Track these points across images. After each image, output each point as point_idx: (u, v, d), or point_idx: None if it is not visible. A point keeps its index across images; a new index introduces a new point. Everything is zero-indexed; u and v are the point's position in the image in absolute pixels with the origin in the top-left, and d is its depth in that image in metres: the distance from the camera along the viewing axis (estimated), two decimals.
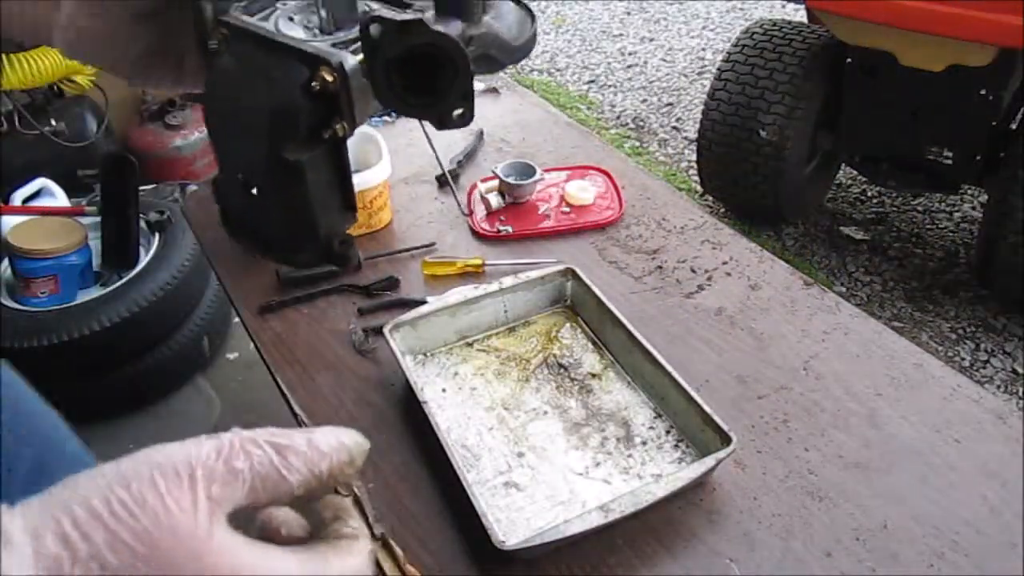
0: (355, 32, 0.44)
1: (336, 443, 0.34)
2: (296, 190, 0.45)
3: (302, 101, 0.43)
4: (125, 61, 0.52)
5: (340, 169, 0.47)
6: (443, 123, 0.44)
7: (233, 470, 0.30)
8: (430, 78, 0.42)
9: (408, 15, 0.40)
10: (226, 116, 0.47)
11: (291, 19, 0.47)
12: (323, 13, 0.46)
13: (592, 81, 3.67)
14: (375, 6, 0.46)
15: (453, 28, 0.42)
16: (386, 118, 1.59)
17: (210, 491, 0.29)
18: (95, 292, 1.84)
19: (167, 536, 0.27)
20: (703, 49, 3.88)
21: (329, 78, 0.42)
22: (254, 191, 0.47)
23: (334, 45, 0.44)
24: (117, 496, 0.27)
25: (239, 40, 0.45)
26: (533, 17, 0.51)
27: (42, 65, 2.20)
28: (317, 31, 0.46)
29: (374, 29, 0.41)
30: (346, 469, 0.35)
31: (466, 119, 0.44)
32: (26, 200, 2.07)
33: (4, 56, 2.11)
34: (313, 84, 0.42)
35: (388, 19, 0.40)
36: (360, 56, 0.42)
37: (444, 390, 0.93)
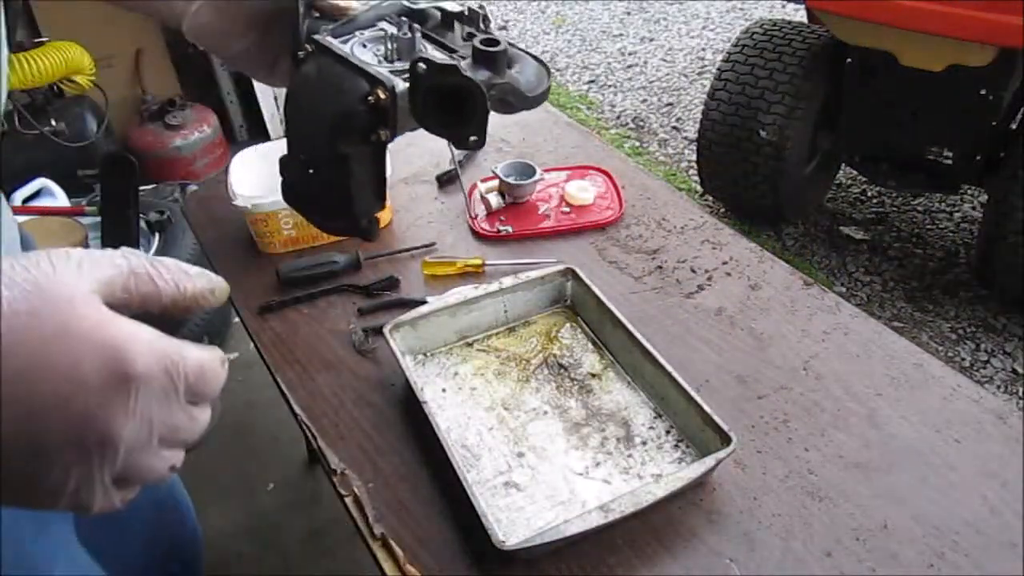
0: (408, 65, 0.57)
1: (202, 272, 0.41)
2: (342, 174, 0.59)
3: (359, 109, 0.56)
4: (231, 53, 0.65)
5: (378, 166, 0.62)
6: (459, 144, 0.58)
7: (113, 263, 0.37)
8: (456, 109, 0.55)
9: (447, 60, 0.54)
10: (301, 111, 0.61)
11: (364, 46, 0.61)
12: (389, 46, 0.60)
13: (592, 81, 3.67)
14: (428, 47, 0.61)
15: (481, 75, 0.55)
16: None
17: (93, 272, 0.36)
18: None
19: (54, 287, 0.34)
20: (703, 49, 3.88)
21: (383, 96, 0.55)
22: (311, 171, 0.61)
23: (392, 72, 0.56)
24: (19, 261, 0.35)
25: (322, 54, 0.59)
26: (549, 73, 0.62)
27: (42, 65, 2.20)
28: (382, 58, 0.60)
29: (420, 67, 0.54)
30: (208, 296, 0.41)
31: (479, 144, 0.57)
32: (26, 200, 2.08)
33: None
34: (370, 98, 0.56)
35: (431, 62, 0.54)
36: (408, 84, 0.55)
37: (444, 390, 0.93)
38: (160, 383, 0.36)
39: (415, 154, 1.42)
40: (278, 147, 1.29)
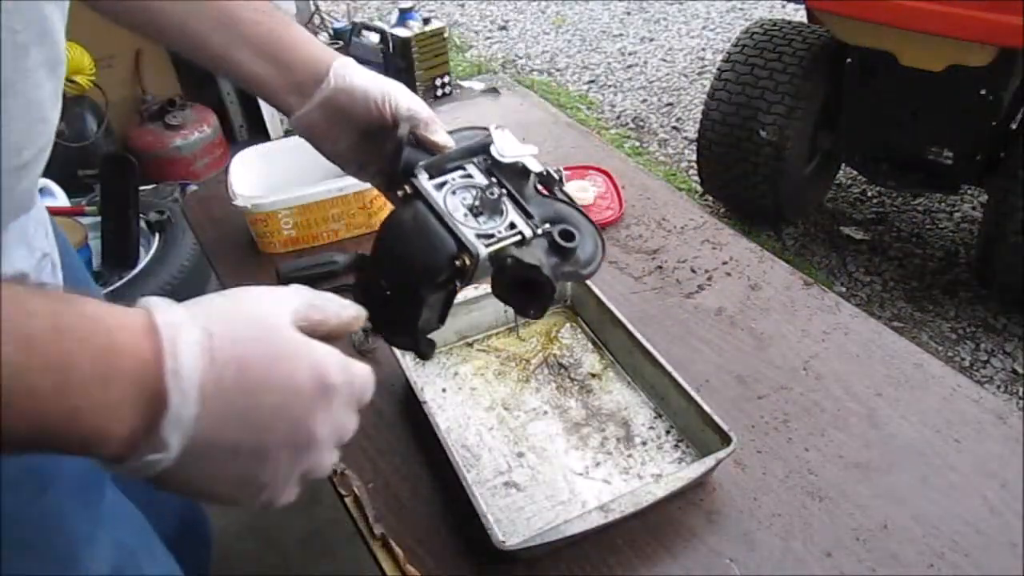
0: (492, 224, 0.65)
1: (349, 304, 0.51)
2: (415, 307, 0.66)
3: (445, 266, 0.63)
4: (326, 150, 0.73)
5: (447, 305, 0.69)
6: (521, 313, 0.67)
7: (298, 296, 0.46)
8: (527, 290, 0.64)
9: (530, 260, 0.62)
10: (392, 250, 0.67)
11: (454, 193, 0.67)
12: (476, 200, 0.67)
13: (592, 81, 3.67)
14: (509, 207, 0.67)
15: (551, 260, 0.64)
16: None
17: (286, 305, 0.45)
18: None
19: (266, 319, 0.43)
20: (703, 49, 3.88)
21: (468, 261, 0.63)
22: (388, 293, 0.67)
23: (478, 235, 0.64)
24: (223, 298, 0.44)
25: (419, 200, 0.66)
26: (604, 247, 0.69)
27: None
28: (468, 210, 0.67)
29: (508, 261, 0.63)
30: (353, 323, 0.51)
31: (536, 317, 0.68)
32: None
33: None
34: (456, 260, 0.63)
35: (519, 260, 0.63)
36: (490, 249, 0.63)
37: (444, 390, 0.93)
38: (346, 392, 0.46)
39: None
40: (278, 147, 1.29)
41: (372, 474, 0.83)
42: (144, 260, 1.96)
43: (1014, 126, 2.17)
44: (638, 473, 0.83)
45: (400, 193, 0.68)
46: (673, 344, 0.98)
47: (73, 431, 0.36)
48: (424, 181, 0.67)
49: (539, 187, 0.68)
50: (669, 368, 0.86)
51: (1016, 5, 1.72)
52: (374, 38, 2.85)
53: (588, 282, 1.00)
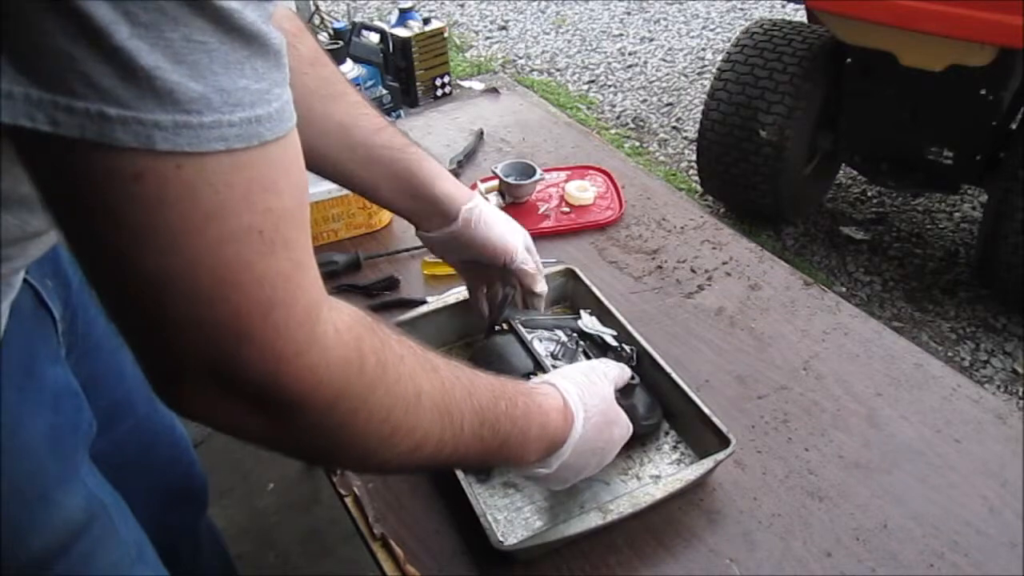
0: (566, 363, 0.83)
1: (629, 371, 0.80)
2: None
3: (519, 379, 0.74)
4: (441, 259, 0.96)
5: None
6: None
7: (619, 370, 0.77)
8: None
9: None
10: (479, 364, 0.77)
11: (541, 341, 0.87)
12: (558, 348, 0.87)
13: (592, 81, 3.67)
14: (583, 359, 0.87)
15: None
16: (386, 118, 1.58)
17: (612, 377, 0.75)
18: None
19: (608, 402, 0.72)
20: (703, 49, 3.88)
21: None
22: None
23: (553, 365, 0.81)
24: (594, 389, 0.71)
25: (510, 332, 0.86)
26: (662, 410, 0.86)
27: None
28: (550, 353, 0.86)
29: None
30: (622, 377, 0.78)
31: None
32: None
33: None
34: (531, 376, 0.77)
35: None
36: None
37: None
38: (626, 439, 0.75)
39: None
40: None
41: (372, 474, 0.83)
42: None
43: (1014, 126, 2.17)
44: (636, 474, 0.83)
45: (497, 329, 0.89)
46: (673, 344, 0.98)
47: (512, 459, 0.64)
48: (518, 324, 0.86)
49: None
50: (668, 369, 0.86)
51: (1016, 5, 1.72)
52: (374, 38, 2.85)
53: (588, 282, 1.00)
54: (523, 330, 0.85)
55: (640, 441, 0.86)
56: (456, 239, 0.87)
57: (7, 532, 0.65)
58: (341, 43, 2.02)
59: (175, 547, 0.83)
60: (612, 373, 0.75)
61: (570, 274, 1.03)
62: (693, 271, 1.11)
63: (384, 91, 2.84)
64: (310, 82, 0.79)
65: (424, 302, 1.01)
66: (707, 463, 0.77)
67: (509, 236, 0.88)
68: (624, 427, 0.73)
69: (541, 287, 0.91)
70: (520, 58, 3.90)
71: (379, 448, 0.50)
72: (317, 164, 0.84)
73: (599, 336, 0.90)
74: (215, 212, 0.38)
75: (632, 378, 0.79)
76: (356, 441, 0.49)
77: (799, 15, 3.02)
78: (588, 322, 0.92)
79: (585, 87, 3.63)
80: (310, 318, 0.44)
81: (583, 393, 0.69)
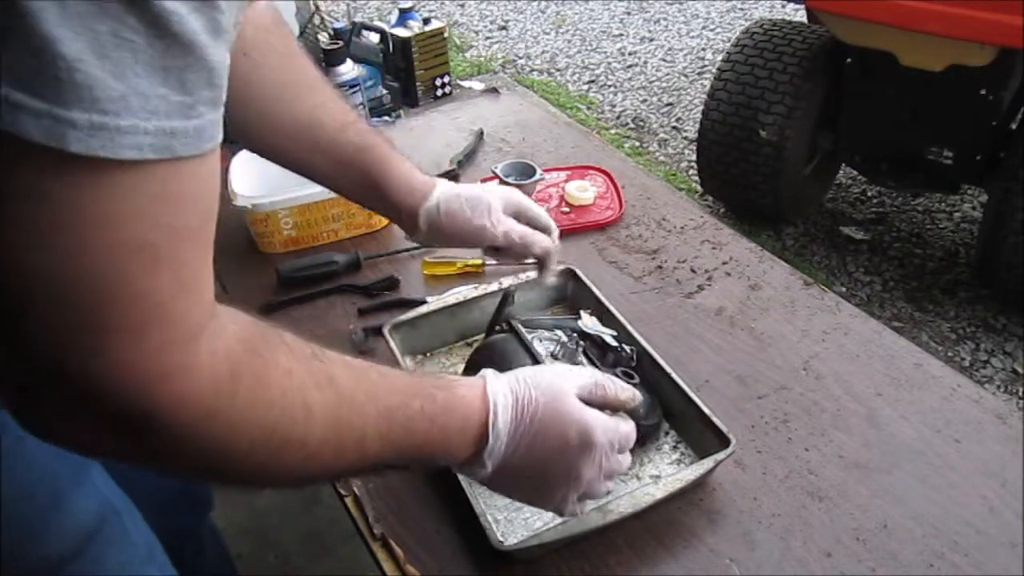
0: (566, 363, 0.82)
1: (628, 387, 0.68)
2: None
3: None
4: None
5: None
6: None
7: (587, 375, 0.65)
8: None
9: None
10: (479, 364, 0.77)
11: (541, 341, 0.85)
12: (558, 348, 0.86)
13: (592, 81, 3.67)
14: (584, 361, 0.86)
15: None
16: (386, 118, 1.59)
17: (576, 380, 0.64)
18: None
19: (559, 388, 0.62)
20: (703, 49, 3.88)
21: None
22: None
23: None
24: (537, 372, 0.64)
25: (510, 332, 0.86)
26: (660, 411, 0.85)
27: None
28: (551, 353, 0.84)
29: None
30: (629, 403, 0.67)
31: None
32: None
33: None
34: None
35: None
36: None
37: None
38: (607, 445, 0.63)
39: (415, 154, 1.41)
40: None
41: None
42: None
43: (1014, 126, 2.17)
44: (636, 474, 0.83)
45: (498, 328, 0.88)
46: (673, 344, 0.98)
47: (437, 456, 0.59)
48: (518, 324, 0.85)
49: (619, 374, 0.80)
50: (668, 369, 0.86)
51: (1016, 5, 1.72)
52: (374, 38, 2.84)
53: (588, 282, 1.00)
54: (523, 330, 0.84)
55: (640, 441, 0.86)
56: (435, 237, 0.87)
57: (21, 537, 0.65)
58: (341, 43, 2.01)
59: (179, 549, 0.83)
60: (578, 375, 0.65)
61: (570, 274, 1.03)
62: (693, 271, 1.11)
63: (384, 91, 2.84)
64: (281, 77, 0.78)
65: (424, 302, 1.01)
66: (707, 463, 0.77)
67: (477, 219, 0.85)
68: (595, 429, 0.62)
69: (539, 248, 0.87)
70: (520, 58, 3.90)
71: (266, 463, 0.48)
72: (291, 165, 0.86)
73: (599, 336, 0.89)
74: (109, 219, 0.36)
75: (632, 378, 0.79)
76: (237, 458, 0.46)
77: (799, 15, 3.02)
78: (588, 322, 0.92)
79: (585, 87, 3.63)
80: (184, 343, 0.41)
81: (516, 381, 0.62)
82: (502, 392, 0.61)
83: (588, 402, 0.63)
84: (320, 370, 0.51)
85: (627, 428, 0.65)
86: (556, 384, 0.62)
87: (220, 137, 0.41)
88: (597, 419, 0.62)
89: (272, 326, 0.50)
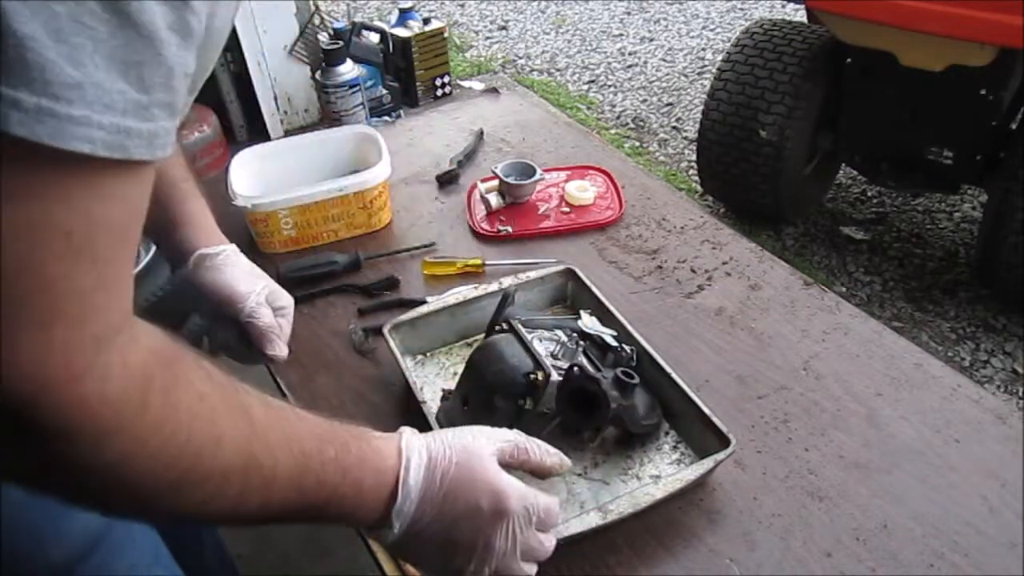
0: (566, 363, 0.80)
1: (555, 452, 0.64)
2: (487, 417, 0.78)
3: (520, 379, 0.79)
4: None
5: (513, 425, 0.74)
6: (578, 432, 0.80)
7: (508, 438, 0.62)
8: (585, 407, 0.76)
9: (594, 374, 0.77)
10: (479, 363, 0.83)
11: (540, 340, 0.85)
12: (558, 348, 0.85)
13: (592, 81, 3.67)
14: (584, 360, 0.84)
15: (612, 393, 0.76)
16: (386, 118, 1.59)
17: (495, 443, 0.60)
18: None
19: (474, 449, 0.58)
20: (703, 49, 3.88)
21: (540, 377, 0.78)
22: (465, 407, 0.82)
23: (553, 365, 0.79)
24: (451, 438, 0.59)
25: (510, 332, 0.85)
26: (659, 411, 0.85)
27: None
28: (551, 353, 0.84)
29: (575, 369, 0.77)
30: (556, 469, 0.64)
31: (590, 440, 0.83)
32: None
33: None
34: (531, 376, 0.78)
35: (584, 368, 0.78)
36: (560, 378, 0.78)
37: (444, 390, 0.92)
38: (523, 517, 0.58)
39: (415, 154, 1.42)
40: (278, 147, 1.29)
41: None
42: (144, 260, 1.95)
43: (1014, 126, 2.17)
44: (636, 474, 0.83)
45: (497, 328, 0.87)
46: (673, 344, 0.98)
47: (346, 511, 0.54)
48: (518, 324, 0.85)
49: (619, 374, 0.79)
50: (668, 369, 0.86)
51: (1016, 5, 1.72)
52: (374, 38, 2.85)
53: (588, 282, 1.00)
54: (523, 330, 0.84)
55: (640, 441, 0.86)
56: (187, 285, 0.83)
57: (30, 543, 0.65)
58: (341, 43, 2.01)
59: (179, 552, 0.83)
60: (500, 437, 0.61)
61: (570, 274, 1.03)
62: (693, 271, 1.11)
63: (384, 91, 2.85)
64: None
65: (424, 302, 1.01)
66: (707, 463, 0.77)
67: (239, 285, 0.81)
68: (509, 497, 0.57)
69: (272, 350, 0.82)
70: (520, 58, 3.90)
71: (162, 496, 0.43)
72: None
73: (599, 336, 0.89)
74: (35, 200, 0.34)
75: (632, 378, 0.79)
76: (132, 486, 0.42)
77: (799, 15, 3.02)
78: (588, 322, 0.92)
79: (585, 87, 3.63)
80: (96, 344, 0.38)
81: (434, 439, 0.58)
82: (417, 449, 0.57)
83: (508, 466, 0.60)
84: (236, 401, 0.48)
85: (548, 502, 0.60)
86: (473, 446, 0.59)
87: (171, 150, 0.39)
88: (512, 486, 0.58)
89: (191, 350, 0.47)
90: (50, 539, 0.67)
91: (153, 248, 1.99)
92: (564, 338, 0.87)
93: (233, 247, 0.85)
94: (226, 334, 0.84)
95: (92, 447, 0.39)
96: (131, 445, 0.41)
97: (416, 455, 0.56)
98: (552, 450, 0.64)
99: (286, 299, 0.86)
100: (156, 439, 0.42)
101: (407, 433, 0.59)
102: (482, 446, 0.59)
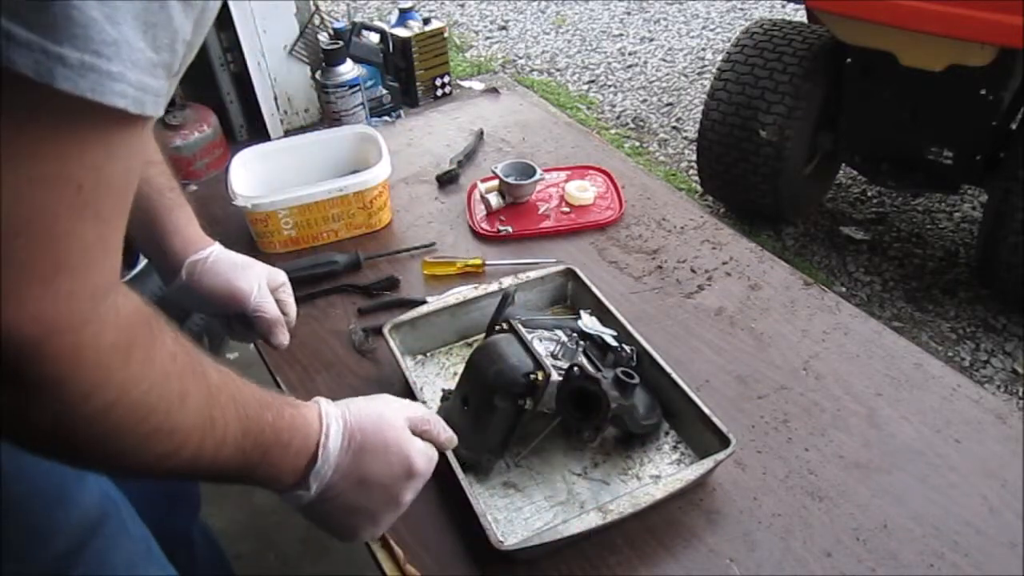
0: (566, 363, 0.80)
1: (448, 429, 0.70)
2: (487, 416, 0.80)
3: (520, 379, 0.79)
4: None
5: (511, 426, 0.80)
6: (578, 432, 0.79)
7: (419, 410, 0.68)
8: (585, 407, 0.76)
9: (594, 373, 0.77)
10: (479, 364, 0.83)
11: (540, 340, 0.85)
12: (558, 348, 0.85)
13: (592, 81, 3.67)
14: (584, 360, 0.84)
15: (613, 393, 0.76)
16: (386, 118, 1.59)
17: (406, 413, 0.66)
18: None
19: (387, 418, 0.64)
20: (703, 49, 3.88)
21: (540, 377, 0.78)
22: (465, 407, 0.83)
23: (553, 365, 0.79)
24: (366, 401, 0.65)
25: (510, 332, 0.85)
26: (660, 411, 0.85)
27: None
28: (551, 353, 0.83)
29: (575, 369, 0.77)
30: (447, 444, 0.70)
31: (590, 440, 0.81)
32: None
33: None
34: (531, 376, 0.78)
35: (584, 368, 0.78)
36: (560, 378, 0.78)
37: (444, 390, 0.93)
38: (428, 474, 0.66)
39: (415, 154, 1.42)
40: (278, 147, 1.29)
41: None
42: (144, 260, 1.95)
43: (1014, 126, 2.17)
44: (636, 474, 0.83)
45: (497, 328, 0.87)
46: (673, 344, 0.98)
47: (272, 473, 0.57)
48: (518, 324, 0.85)
49: (619, 374, 0.80)
50: (668, 369, 0.86)
51: (1016, 5, 1.72)
52: (374, 38, 2.85)
53: (588, 282, 1.00)
54: (523, 330, 0.84)
55: (640, 441, 0.86)
56: (187, 293, 0.83)
57: (29, 535, 0.66)
58: (341, 43, 2.02)
59: (170, 552, 0.83)
60: (409, 408, 0.67)
61: (570, 274, 1.03)
62: (693, 271, 1.11)
63: (384, 91, 2.85)
64: None
65: (424, 302, 1.01)
66: (707, 463, 0.77)
67: (239, 282, 0.83)
68: (418, 458, 0.64)
69: (277, 340, 0.84)
70: (520, 58, 3.90)
71: (133, 449, 0.46)
72: None
73: (599, 336, 0.89)
74: (55, 155, 0.36)
75: (632, 378, 0.79)
76: (108, 438, 0.44)
77: (799, 15, 3.02)
78: (588, 322, 0.92)
79: (585, 87, 3.63)
80: (94, 297, 0.40)
81: (347, 408, 0.63)
82: (335, 417, 0.61)
83: (415, 435, 0.66)
84: (196, 363, 0.51)
85: (436, 458, 0.68)
86: (386, 414, 0.64)
87: (163, 110, 0.41)
88: (419, 449, 0.65)
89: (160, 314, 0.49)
90: (50, 529, 0.67)
91: None
92: (564, 338, 0.87)
93: (218, 245, 0.86)
94: (232, 328, 0.87)
95: (80, 397, 0.41)
96: (114, 396, 0.43)
97: (335, 422, 0.61)
98: (448, 428, 0.70)
99: (281, 275, 0.88)
100: (135, 392, 0.44)
101: (323, 402, 0.63)
102: (395, 413, 0.65)
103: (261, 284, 0.85)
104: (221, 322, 0.88)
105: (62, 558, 0.68)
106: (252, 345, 1.04)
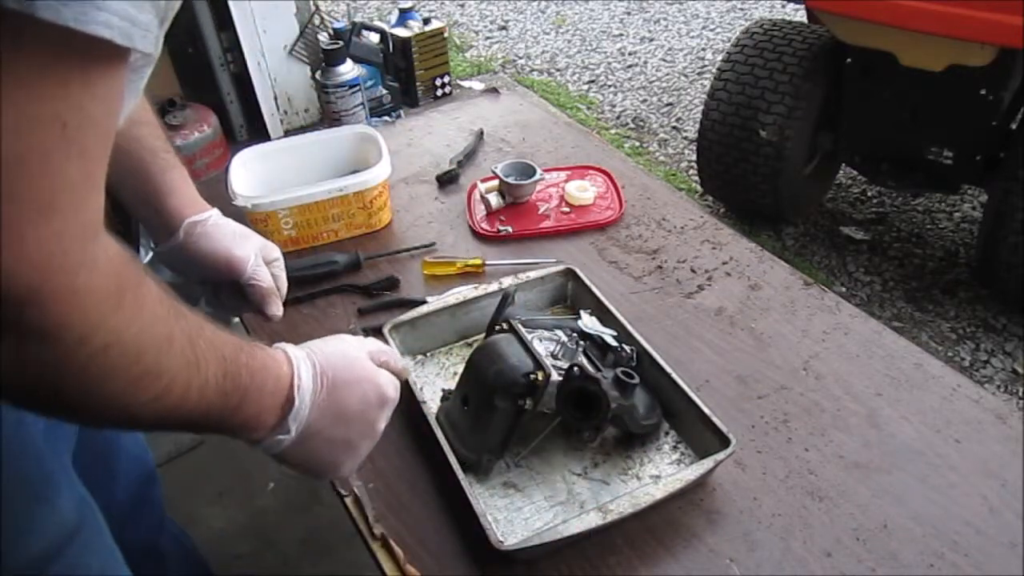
0: (566, 363, 0.80)
1: (400, 358, 0.74)
2: (487, 416, 0.80)
3: (520, 379, 0.78)
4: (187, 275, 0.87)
5: (511, 426, 0.80)
6: (578, 432, 0.81)
7: (376, 344, 0.70)
8: (585, 407, 0.77)
9: (594, 373, 0.77)
10: (479, 363, 0.83)
11: (540, 340, 0.85)
12: (558, 348, 0.85)
13: (592, 81, 3.67)
14: (584, 360, 0.84)
15: (613, 393, 0.77)
16: (386, 118, 1.59)
17: (367, 347, 0.68)
18: None
19: (351, 353, 0.65)
20: (703, 49, 3.88)
21: (540, 377, 0.78)
22: (465, 407, 0.83)
23: (553, 365, 0.79)
24: (327, 341, 0.66)
25: (510, 331, 0.85)
26: (660, 411, 0.86)
27: None
28: (551, 353, 0.83)
29: (575, 369, 0.77)
30: (403, 373, 0.72)
31: (590, 440, 0.82)
32: None
33: None
34: (531, 376, 0.78)
35: (584, 368, 0.78)
36: (560, 378, 0.78)
37: (444, 390, 0.93)
38: (396, 400, 0.68)
39: (415, 154, 1.42)
40: (278, 147, 1.29)
41: (372, 474, 0.83)
42: (144, 260, 1.95)
43: (1014, 126, 2.17)
44: (636, 474, 0.83)
45: (497, 328, 0.88)
46: (673, 344, 0.98)
47: (249, 418, 0.57)
48: (518, 324, 0.85)
49: (619, 374, 0.80)
50: (668, 369, 0.86)
51: (1016, 5, 1.72)
52: (374, 38, 2.85)
53: (588, 282, 1.00)
54: (523, 330, 0.84)
55: (640, 441, 0.86)
56: (181, 254, 0.82)
57: (8, 535, 0.66)
58: (341, 43, 2.02)
59: (135, 564, 0.81)
60: (366, 342, 0.69)
61: (570, 274, 1.03)
62: (693, 271, 1.11)
63: (384, 91, 2.85)
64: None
65: (424, 302, 1.01)
66: (707, 463, 0.77)
67: (236, 249, 0.82)
68: (388, 386, 0.67)
69: (272, 310, 0.84)
70: (520, 58, 3.90)
71: (123, 392, 0.46)
72: None
73: (599, 336, 0.89)
74: (42, 91, 0.35)
75: (632, 378, 0.79)
76: (102, 383, 0.44)
77: (799, 15, 3.02)
78: (588, 322, 0.92)
79: (585, 87, 3.63)
80: (87, 235, 0.40)
81: (311, 349, 0.64)
82: (302, 358, 0.62)
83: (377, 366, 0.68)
84: (175, 306, 0.51)
85: (399, 385, 0.70)
86: (349, 351, 0.66)
87: (157, 53, 0.40)
88: (387, 377, 0.67)
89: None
90: (29, 530, 0.67)
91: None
92: (564, 338, 0.87)
93: (217, 211, 0.85)
94: (227, 297, 0.86)
95: (76, 341, 0.41)
96: (108, 338, 0.42)
97: (304, 363, 0.62)
98: (400, 357, 0.75)
99: (276, 250, 0.87)
100: (127, 334, 0.44)
101: (287, 346, 0.63)
102: (357, 348, 0.67)
103: (257, 254, 0.84)
104: (206, 289, 0.86)
105: (38, 560, 0.68)
106: (238, 319, 1.03)
